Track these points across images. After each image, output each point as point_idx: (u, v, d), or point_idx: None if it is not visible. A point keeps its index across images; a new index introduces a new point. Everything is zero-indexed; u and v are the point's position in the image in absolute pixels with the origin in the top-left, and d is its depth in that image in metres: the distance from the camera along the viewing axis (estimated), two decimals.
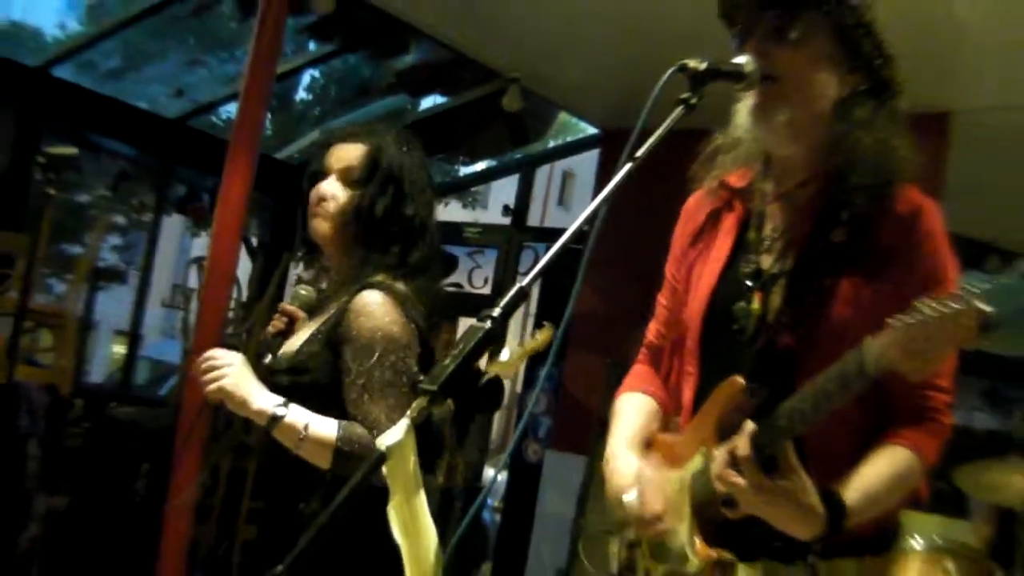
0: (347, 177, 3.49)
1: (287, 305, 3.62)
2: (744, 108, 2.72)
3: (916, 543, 5.42)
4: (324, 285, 3.73)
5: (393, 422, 2.99)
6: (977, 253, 9.12)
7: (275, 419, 3.18)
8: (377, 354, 3.26)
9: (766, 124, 2.66)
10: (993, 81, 7.36)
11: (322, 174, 3.54)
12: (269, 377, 3.42)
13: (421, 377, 3.21)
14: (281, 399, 3.23)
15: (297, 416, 3.21)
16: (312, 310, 3.57)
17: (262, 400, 3.21)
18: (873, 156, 2.62)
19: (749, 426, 2.37)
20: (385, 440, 2.56)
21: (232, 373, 3.20)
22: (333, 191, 3.48)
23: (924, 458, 2.56)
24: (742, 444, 2.36)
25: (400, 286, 3.40)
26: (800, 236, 2.71)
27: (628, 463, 2.81)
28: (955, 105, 7.69)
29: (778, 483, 2.36)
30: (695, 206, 2.99)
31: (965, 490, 6.27)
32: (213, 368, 3.22)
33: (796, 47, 2.64)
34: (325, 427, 3.16)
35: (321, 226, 3.48)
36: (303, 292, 3.56)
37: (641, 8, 5.92)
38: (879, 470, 2.51)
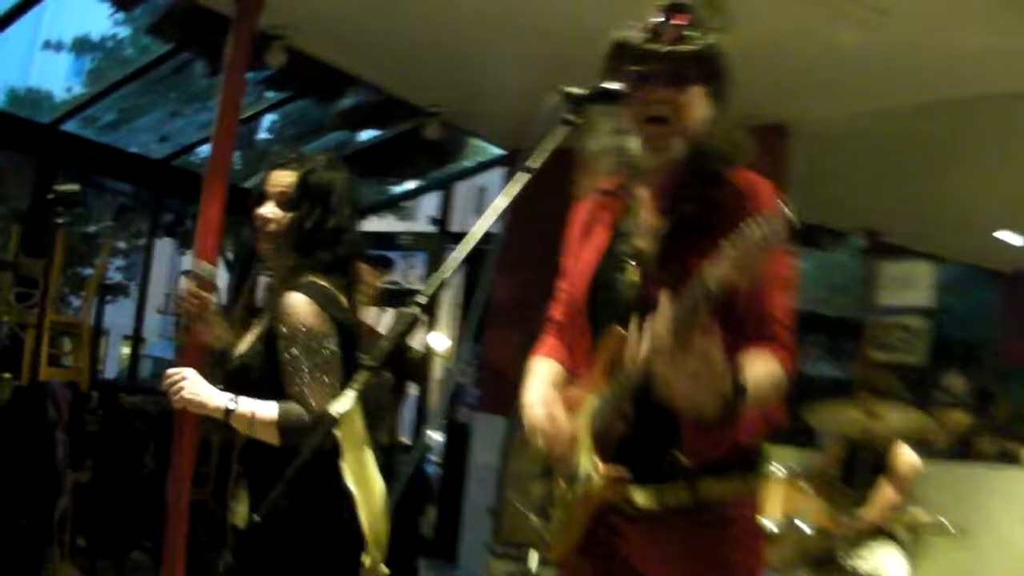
0: (282, 200, 3.51)
1: (194, 289, 3.69)
2: (610, 124, 2.78)
3: (778, 470, 5.50)
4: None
5: (320, 398, 3.28)
6: (816, 234, 9.65)
7: (228, 412, 3.26)
8: (301, 344, 3.31)
9: (656, 154, 2.71)
10: (821, 98, 7.70)
11: (263, 197, 3.56)
12: (231, 373, 3.53)
13: (359, 356, 3.40)
14: (231, 395, 3.30)
15: (245, 406, 3.27)
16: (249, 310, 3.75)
17: (216, 399, 3.29)
18: (719, 150, 2.73)
19: (669, 304, 2.31)
20: (336, 408, 2.89)
21: (187, 384, 3.29)
22: (271, 213, 3.51)
23: (784, 366, 2.55)
24: (663, 327, 2.32)
25: (323, 284, 3.42)
26: (663, 215, 2.74)
27: (541, 406, 2.81)
28: (791, 118, 7.99)
29: (697, 344, 2.29)
30: (580, 209, 3.00)
31: (814, 426, 6.46)
32: (172, 384, 3.30)
33: (681, 94, 2.70)
34: (267, 411, 3.23)
35: (264, 245, 3.56)
36: (203, 267, 3.70)
37: (537, 51, 6.10)
38: (759, 368, 2.49)
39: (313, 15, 6.85)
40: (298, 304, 3.34)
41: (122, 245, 11.97)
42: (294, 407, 3.26)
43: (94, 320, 9.38)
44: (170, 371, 3.35)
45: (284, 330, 3.31)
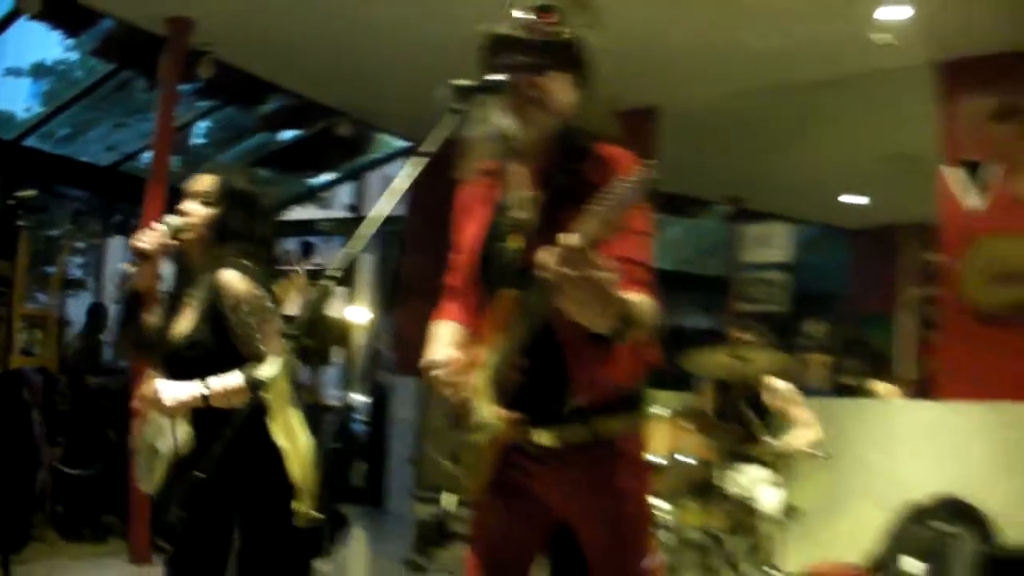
0: (202, 199, 3.61)
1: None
2: (493, 112, 2.81)
3: (661, 411, 5.51)
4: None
5: (276, 351, 3.38)
6: (682, 203, 9.93)
7: (205, 397, 3.33)
8: (246, 311, 3.40)
9: (529, 133, 2.76)
10: (686, 83, 7.99)
11: (187, 196, 3.64)
12: (174, 354, 3.54)
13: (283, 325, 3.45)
14: (201, 383, 3.36)
15: (216, 385, 3.36)
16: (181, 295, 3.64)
17: (191, 392, 3.35)
18: (582, 130, 2.79)
19: (572, 236, 2.24)
20: (264, 373, 3.00)
21: (165, 396, 3.35)
22: (192, 209, 3.60)
23: (652, 298, 2.61)
24: (572, 238, 2.25)
25: (246, 264, 3.52)
26: (539, 189, 2.79)
27: (443, 364, 2.81)
28: (660, 101, 8.30)
29: (597, 270, 2.24)
30: (466, 188, 3.03)
31: (690, 371, 6.45)
32: (154, 401, 3.36)
33: (548, 79, 2.75)
34: (235, 380, 3.32)
35: (185, 235, 3.58)
36: (171, 222, 3.57)
37: (430, 54, 6.06)
38: (637, 298, 2.51)
39: (236, 31, 6.93)
40: (233, 278, 3.46)
41: (80, 245, 12.01)
42: (254, 367, 3.36)
43: (59, 312, 9.47)
44: (142, 391, 3.46)
45: (229, 302, 3.41)
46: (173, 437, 3.47)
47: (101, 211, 11.07)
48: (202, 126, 10.18)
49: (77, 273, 12.05)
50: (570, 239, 2.23)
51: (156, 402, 3.37)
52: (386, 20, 6.63)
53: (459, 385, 2.76)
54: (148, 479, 3.59)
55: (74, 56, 19.31)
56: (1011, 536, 6.35)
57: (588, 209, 2.26)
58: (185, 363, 3.45)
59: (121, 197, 10.52)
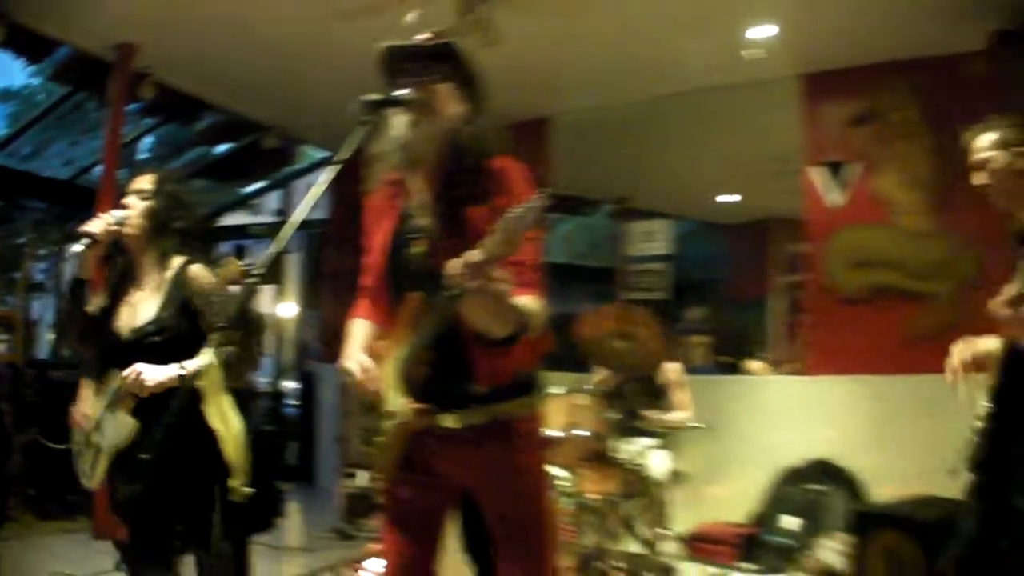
0: (140, 195, 3.67)
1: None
2: (396, 127, 2.83)
3: (558, 390, 5.42)
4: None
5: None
6: (574, 203, 9.93)
7: (183, 377, 3.35)
8: (217, 298, 3.49)
9: (418, 132, 2.80)
10: (575, 95, 7.98)
11: (128, 194, 3.70)
12: (139, 339, 3.54)
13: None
14: (177, 365, 3.38)
15: (189, 365, 3.39)
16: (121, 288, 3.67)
17: (169, 373, 3.37)
18: (476, 141, 2.81)
19: (473, 252, 2.37)
20: (199, 361, 3.04)
21: (145, 376, 3.35)
22: (132, 203, 3.66)
23: (541, 298, 2.68)
24: (475, 254, 2.36)
25: (200, 256, 3.65)
26: (439, 197, 2.81)
27: (355, 359, 2.84)
28: (552, 112, 8.42)
29: (495, 283, 2.39)
30: (373, 199, 3.03)
31: (584, 349, 6.20)
32: (135, 381, 3.36)
33: (435, 86, 2.80)
34: (204, 359, 3.34)
35: (127, 225, 3.63)
36: (115, 214, 3.62)
37: (345, 73, 5.41)
38: (528, 302, 2.61)
39: (175, 55, 6.91)
40: (201, 271, 3.57)
41: (42, 252, 11.95)
42: (227, 346, 3.45)
43: (25, 313, 9.49)
44: (126, 372, 3.39)
45: (202, 291, 3.51)
46: (116, 430, 3.50)
47: (60, 220, 10.99)
48: (147, 142, 10.17)
49: (40, 277, 11.93)
50: (472, 256, 2.35)
51: (137, 383, 3.35)
52: (307, 44, 6.61)
53: (367, 378, 2.79)
54: (91, 475, 3.63)
55: (36, 81, 19.17)
56: (875, 493, 6.53)
57: (490, 229, 2.34)
58: (152, 347, 3.45)
59: (78, 207, 10.29)
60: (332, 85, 6.63)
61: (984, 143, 3.31)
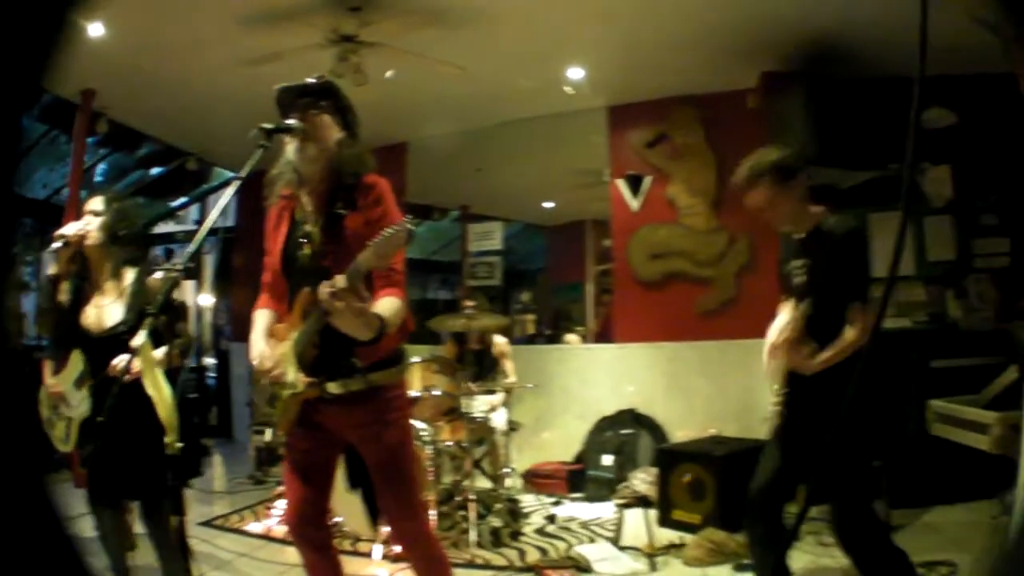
0: (94, 213, 3.66)
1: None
2: (288, 151, 2.87)
3: (418, 359, 5.46)
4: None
5: (188, 333, 3.69)
6: (427, 210, 9.82)
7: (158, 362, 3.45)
8: (177, 304, 3.67)
9: (304, 155, 2.83)
10: (430, 122, 7.85)
11: (84, 213, 3.70)
12: (112, 335, 3.56)
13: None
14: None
15: (159, 355, 3.55)
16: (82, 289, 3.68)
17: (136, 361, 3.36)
18: (351, 162, 2.86)
19: (340, 278, 2.47)
20: (135, 342, 2.99)
21: (132, 364, 3.30)
22: (88, 221, 3.66)
23: (402, 300, 2.74)
24: (340, 280, 2.47)
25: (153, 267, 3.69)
26: (322, 209, 2.85)
27: (259, 343, 2.91)
28: (409, 137, 8.32)
29: (356, 303, 2.50)
30: (272, 210, 3.02)
31: (437, 329, 6.52)
32: (122, 369, 3.33)
33: (318, 117, 2.85)
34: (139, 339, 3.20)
35: (87, 236, 3.64)
36: (76, 225, 3.65)
37: (251, 108, 5.69)
38: (387, 303, 2.69)
39: (121, 98, 6.81)
40: (154, 281, 3.66)
41: (28, 258, 11.60)
42: (181, 340, 3.70)
43: (17, 307, 9.04)
44: (115, 362, 3.44)
45: (157, 295, 3.46)
46: (83, 403, 3.60)
47: (39, 233, 10.58)
48: (101, 167, 9.88)
49: (28, 280, 11.52)
50: (338, 281, 2.45)
51: (122, 370, 3.31)
52: (220, 86, 6.50)
53: (266, 359, 2.86)
54: (66, 441, 3.65)
55: (26, 122, 18.33)
56: (674, 435, 6.67)
57: (366, 244, 2.44)
58: (123, 342, 3.41)
59: (52, 222, 10.06)
60: (239, 119, 6.52)
61: (747, 173, 3.28)
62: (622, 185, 7.35)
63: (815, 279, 3.18)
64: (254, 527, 5.63)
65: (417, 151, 8.50)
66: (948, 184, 6.28)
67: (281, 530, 5.24)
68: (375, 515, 4.98)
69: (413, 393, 5.34)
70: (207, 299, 11.08)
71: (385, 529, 4.85)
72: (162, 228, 11.21)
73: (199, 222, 11.19)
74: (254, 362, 2.88)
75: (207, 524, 5.72)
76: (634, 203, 7.30)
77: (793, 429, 3.21)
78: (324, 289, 2.47)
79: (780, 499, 3.23)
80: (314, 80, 2.92)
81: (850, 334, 3.03)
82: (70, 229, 3.63)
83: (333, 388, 2.82)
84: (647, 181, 7.26)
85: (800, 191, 3.24)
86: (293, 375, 2.80)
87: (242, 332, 8.87)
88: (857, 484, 3.09)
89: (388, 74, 6.00)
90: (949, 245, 6.32)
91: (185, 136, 8.48)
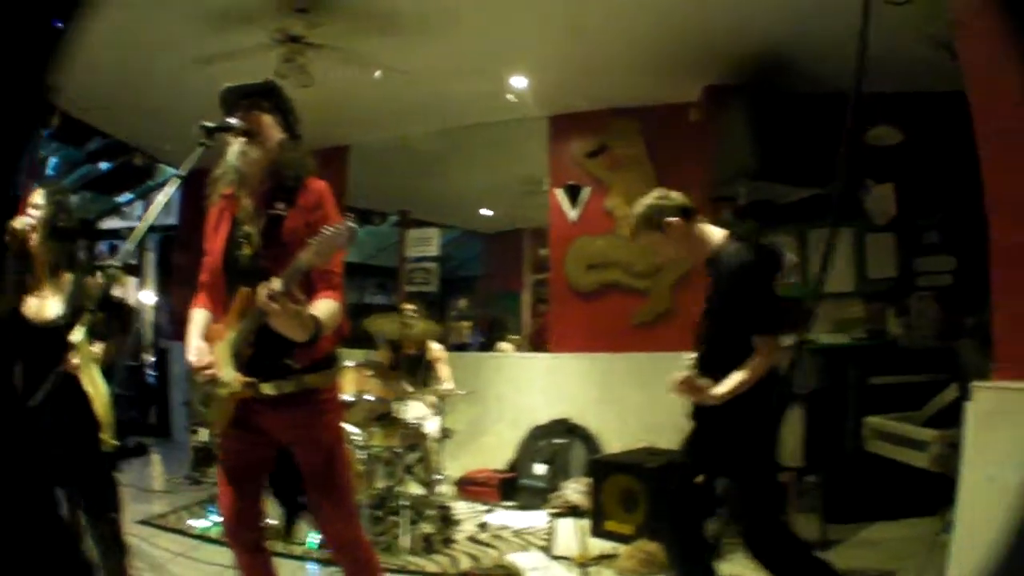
0: (35, 208, 3.63)
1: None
2: (231, 152, 2.88)
3: (350, 363, 5.45)
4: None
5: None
6: (367, 214, 9.74)
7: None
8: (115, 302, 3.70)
9: (246, 155, 2.84)
10: (372, 127, 7.85)
11: (27, 206, 3.65)
12: (52, 329, 3.49)
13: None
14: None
15: (96, 349, 3.56)
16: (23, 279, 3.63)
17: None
18: (292, 164, 2.88)
19: (276, 280, 2.51)
20: (72, 337, 3.09)
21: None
22: (30, 215, 3.62)
23: (339, 303, 2.78)
24: (276, 284, 2.50)
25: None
26: (262, 210, 2.84)
27: (196, 343, 2.88)
28: (352, 140, 8.26)
29: (292, 305, 2.54)
30: (212, 210, 3.01)
31: (372, 333, 6.34)
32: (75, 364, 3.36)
33: (259, 117, 2.86)
34: (77, 335, 3.30)
35: (30, 228, 3.61)
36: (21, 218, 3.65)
37: (197, 107, 5.93)
38: (325, 305, 2.71)
39: (72, 93, 6.63)
40: (93, 281, 3.60)
41: None
42: (119, 337, 3.70)
43: None
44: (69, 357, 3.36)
45: (89, 296, 3.50)
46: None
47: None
48: (52, 161, 9.70)
49: None
50: (274, 284, 2.48)
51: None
52: (167, 84, 6.44)
53: (201, 359, 2.84)
54: None
55: None
56: (606, 443, 6.66)
57: (307, 242, 2.48)
58: (60, 335, 3.36)
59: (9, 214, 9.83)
60: (184, 116, 6.53)
61: (631, 223, 3.41)
62: (561, 195, 7.33)
63: (713, 306, 3.24)
64: (191, 526, 5.57)
65: (359, 155, 8.42)
66: (892, 202, 6.31)
67: (217, 531, 5.19)
68: (291, 520, 5.06)
69: (346, 397, 5.32)
70: (149, 297, 10.91)
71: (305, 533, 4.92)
72: (108, 224, 11.06)
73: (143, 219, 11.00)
74: (190, 361, 2.86)
75: (145, 523, 5.65)
76: (572, 213, 7.29)
77: (699, 442, 3.27)
78: (262, 290, 2.49)
79: (695, 513, 3.25)
80: (257, 81, 2.92)
81: (752, 364, 3.04)
82: (20, 220, 3.61)
83: (267, 389, 2.80)
84: (586, 191, 7.26)
85: (682, 231, 3.31)
86: (229, 374, 2.78)
87: (181, 331, 8.73)
88: (760, 500, 3.12)
89: (376, 74, 5.98)
90: (891, 263, 6.36)
91: (132, 133, 8.37)
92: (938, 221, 6.22)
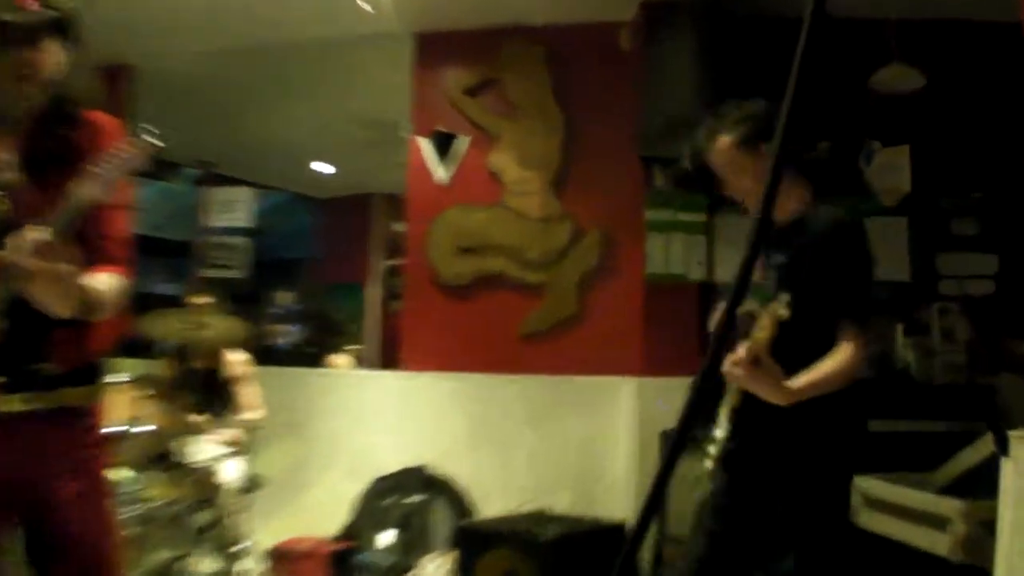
0: None
1: None
2: None
3: (123, 377, 5.41)
4: None
5: None
6: (154, 166, 9.36)
7: None
8: None
9: (18, 98, 2.76)
10: (162, 40, 7.58)
11: None
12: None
13: None
14: None
15: None
16: None
17: None
18: (67, 94, 2.82)
19: (37, 229, 2.41)
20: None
21: None
22: None
23: (126, 275, 2.76)
24: (44, 231, 2.41)
25: None
26: (24, 152, 2.75)
27: None
28: (136, 59, 8.00)
29: (60, 264, 2.42)
30: None
31: (149, 334, 6.26)
32: None
33: (38, 52, 2.72)
34: None
35: None
36: None
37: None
38: (105, 278, 2.65)
39: None
40: None
41: None
42: None
43: None
44: None
45: None
46: None
47: None
48: None
49: None
50: (41, 233, 2.41)
51: None
52: None
53: None
54: None
55: None
56: (480, 502, 6.58)
57: (80, 175, 2.45)
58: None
59: None
60: None
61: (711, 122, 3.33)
62: (426, 146, 7.23)
63: (789, 281, 3.09)
64: None
65: (146, 78, 8.17)
66: (906, 174, 6.23)
67: None
68: None
69: (113, 428, 5.18)
70: None
71: None
72: None
73: None
74: None
75: None
76: (441, 172, 7.20)
77: (741, 491, 3.19)
78: (18, 241, 2.41)
79: None
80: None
81: (841, 356, 2.95)
82: None
83: (12, 404, 2.62)
84: (462, 143, 7.15)
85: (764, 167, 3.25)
86: None
87: None
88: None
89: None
90: (902, 261, 6.30)
91: None
92: (974, 204, 6.18)
